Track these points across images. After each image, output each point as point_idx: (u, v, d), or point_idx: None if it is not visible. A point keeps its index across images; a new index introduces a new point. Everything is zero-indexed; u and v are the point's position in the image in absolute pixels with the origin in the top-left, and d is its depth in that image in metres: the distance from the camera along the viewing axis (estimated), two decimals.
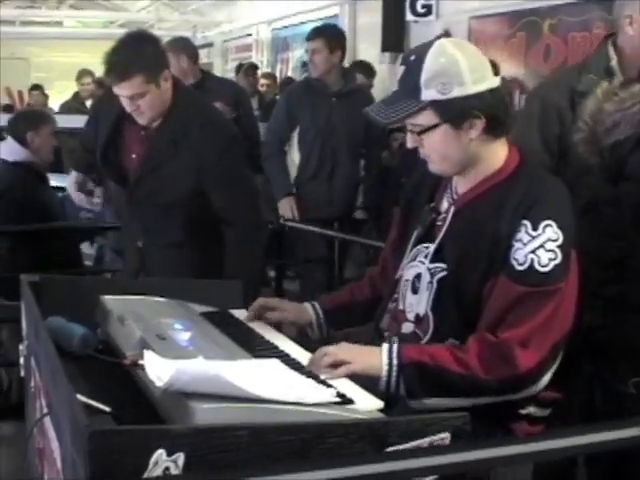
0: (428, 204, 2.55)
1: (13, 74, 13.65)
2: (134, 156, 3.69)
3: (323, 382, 2.12)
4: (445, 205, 2.50)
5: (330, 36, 5.79)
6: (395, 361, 2.25)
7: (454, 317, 2.37)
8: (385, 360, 2.25)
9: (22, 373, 2.81)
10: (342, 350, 2.26)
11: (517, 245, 2.27)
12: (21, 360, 2.80)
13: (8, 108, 12.36)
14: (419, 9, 8.30)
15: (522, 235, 2.27)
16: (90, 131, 3.98)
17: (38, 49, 17.36)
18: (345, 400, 1.98)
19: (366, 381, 2.20)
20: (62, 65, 15.69)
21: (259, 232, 3.74)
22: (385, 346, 2.29)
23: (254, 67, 9.90)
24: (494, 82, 2.35)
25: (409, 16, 8.36)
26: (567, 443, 1.83)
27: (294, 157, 5.90)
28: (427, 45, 2.35)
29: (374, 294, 2.73)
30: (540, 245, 2.25)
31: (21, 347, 2.80)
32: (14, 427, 3.79)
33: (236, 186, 3.63)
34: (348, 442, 1.77)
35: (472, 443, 1.88)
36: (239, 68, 9.81)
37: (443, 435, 1.86)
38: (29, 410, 2.72)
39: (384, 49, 8.57)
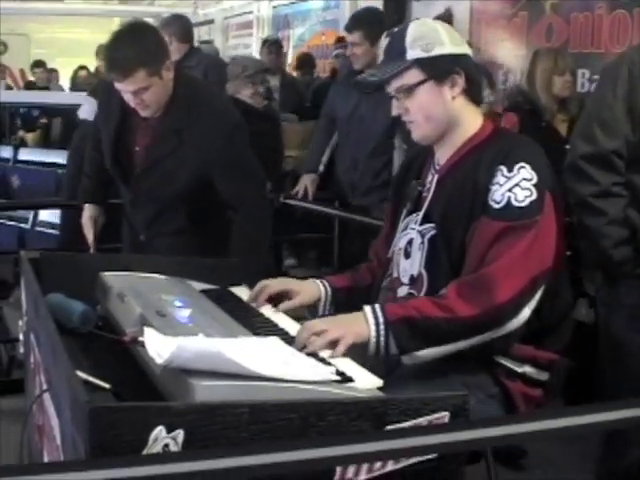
0: (415, 180, 2.67)
1: (13, 50, 13.65)
2: (137, 149, 3.65)
3: (322, 360, 2.13)
4: (429, 177, 2.63)
5: (370, 26, 5.35)
6: (381, 320, 2.29)
7: (446, 271, 2.45)
8: (371, 321, 2.29)
9: (21, 349, 2.82)
10: (329, 326, 2.26)
11: (494, 188, 2.40)
12: (20, 336, 2.80)
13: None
14: None
15: (498, 178, 2.40)
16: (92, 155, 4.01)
17: (38, 25, 17.34)
18: (344, 378, 1.99)
19: (364, 358, 2.22)
20: (62, 41, 15.70)
21: (265, 214, 3.72)
22: (367, 308, 2.32)
23: (278, 44, 9.32)
24: (468, 51, 2.57)
25: None
26: (568, 422, 1.83)
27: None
28: (408, 21, 2.65)
29: (374, 282, 2.75)
30: (516, 184, 2.38)
31: (20, 323, 2.80)
32: (15, 402, 3.79)
33: (241, 172, 3.60)
34: (347, 420, 1.78)
35: (471, 422, 1.89)
36: (264, 43, 9.17)
37: (442, 414, 1.86)
38: (28, 386, 2.73)
39: (385, 28, 8.53)
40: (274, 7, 12.41)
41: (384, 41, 2.61)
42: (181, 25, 6.47)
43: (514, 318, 2.32)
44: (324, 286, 2.73)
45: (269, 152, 5.45)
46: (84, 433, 1.59)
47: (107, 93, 3.69)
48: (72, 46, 15.49)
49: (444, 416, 1.86)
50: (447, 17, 7.17)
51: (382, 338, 2.28)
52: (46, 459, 2.21)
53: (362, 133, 5.39)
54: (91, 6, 16.42)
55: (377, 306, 2.33)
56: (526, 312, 2.34)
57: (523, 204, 2.36)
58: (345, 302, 2.73)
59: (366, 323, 2.28)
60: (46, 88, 11.41)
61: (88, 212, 4.03)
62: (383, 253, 2.74)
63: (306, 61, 9.75)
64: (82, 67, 11.16)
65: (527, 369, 2.46)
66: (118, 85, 3.41)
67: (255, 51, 12.12)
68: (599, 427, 1.97)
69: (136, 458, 1.58)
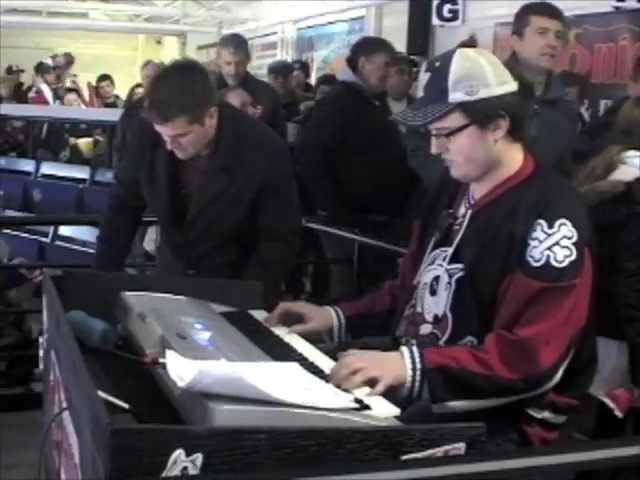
0: (446, 210, 2.61)
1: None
2: (185, 190, 3.55)
3: (339, 386, 2.14)
4: (462, 210, 2.57)
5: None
6: (419, 366, 2.26)
7: (473, 316, 2.42)
8: (409, 366, 2.26)
9: (41, 366, 2.84)
10: (368, 364, 2.22)
11: (533, 243, 2.33)
12: (40, 353, 2.82)
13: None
14: (445, 14, 8.28)
15: (538, 233, 2.34)
16: None
17: (63, 40, 17.41)
18: (362, 406, 2.00)
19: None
20: (86, 57, 15.75)
21: (293, 253, 3.68)
22: (405, 351, 2.30)
23: (412, 64, 7.28)
24: (514, 86, 2.47)
25: (435, 20, 8.35)
26: (583, 457, 1.84)
27: None
28: (450, 52, 2.48)
29: (394, 305, 2.75)
30: (556, 242, 2.32)
31: (41, 340, 2.82)
32: (33, 416, 3.81)
33: (283, 199, 3.56)
34: (364, 448, 1.79)
35: (487, 454, 1.90)
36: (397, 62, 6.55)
37: (458, 445, 1.87)
38: (47, 403, 2.74)
39: (409, 53, 8.56)
40: (298, 29, 12.47)
41: (424, 75, 2.48)
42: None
43: (550, 382, 2.32)
44: (337, 314, 2.74)
45: None
46: (105, 454, 1.61)
47: (141, 131, 3.60)
48: (96, 61, 15.55)
49: (460, 447, 1.87)
50: (471, 44, 7.20)
51: (417, 384, 2.26)
52: (63, 476, 2.22)
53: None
54: (116, 23, 16.53)
55: (415, 350, 2.30)
56: (560, 373, 2.33)
57: (562, 265, 2.31)
58: (361, 328, 2.74)
59: (403, 366, 2.26)
60: (114, 105, 11.26)
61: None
62: (409, 273, 2.71)
63: None
64: (139, 85, 10.99)
65: (546, 414, 2.42)
66: (156, 127, 3.30)
67: None
68: (620, 462, 1.97)
69: None
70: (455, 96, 2.39)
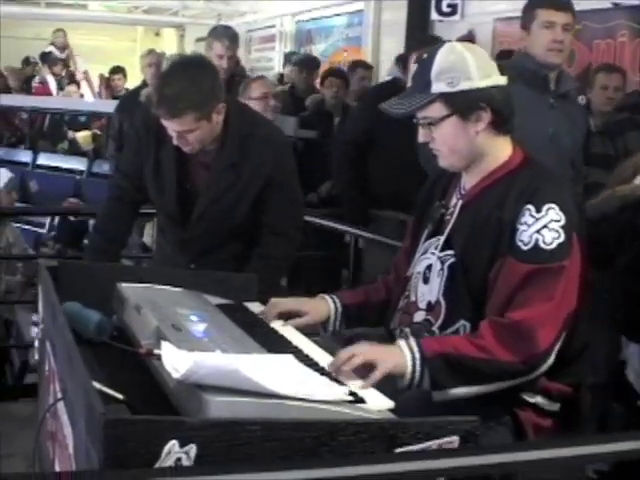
0: (438, 202, 2.67)
1: (37, 54, 13.66)
2: (189, 186, 3.54)
3: (335, 379, 2.14)
4: (454, 201, 2.63)
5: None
6: (418, 355, 2.29)
7: (465, 301, 2.47)
8: (408, 355, 2.28)
9: (36, 356, 2.84)
10: (367, 350, 2.26)
11: (522, 228, 2.39)
12: (35, 343, 2.82)
13: None
14: (444, 8, 8.29)
15: (526, 218, 2.39)
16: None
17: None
18: (357, 399, 2.00)
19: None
20: (85, 48, 15.71)
21: (294, 248, 3.69)
22: (402, 342, 2.32)
23: None
24: (500, 80, 2.52)
25: (434, 15, 8.35)
26: (580, 451, 1.83)
27: None
28: (438, 45, 2.56)
29: (389, 296, 2.77)
30: (544, 225, 2.38)
31: (36, 330, 2.82)
32: (27, 407, 3.81)
33: (286, 197, 3.56)
34: (358, 441, 1.79)
35: (481, 447, 1.90)
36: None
37: (452, 438, 1.87)
38: (42, 393, 2.75)
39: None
40: (297, 22, 12.46)
41: (413, 67, 2.56)
42: None
43: (546, 363, 2.35)
44: (334, 302, 2.76)
45: None
46: (98, 444, 1.61)
47: (146, 124, 3.57)
48: (95, 53, 15.51)
49: (454, 440, 1.87)
50: (469, 39, 7.19)
51: (417, 374, 2.28)
52: (57, 467, 2.22)
53: (557, 155, 4.04)
54: (115, 14, 16.48)
55: (412, 340, 2.33)
56: (554, 355, 2.37)
57: (551, 247, 2.36)
58: (357, 318, 2.77)
59: (403, 355, 2.28)
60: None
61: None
62: (403, 268, 2.75)
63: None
64: None
65: (538, 399, 2.46)
66: (164, 122, 3.29)
67: (277, 65, 12.17)
68: (608, 457, 1.97)
69: (149, 471, 1.60)
70: (437, 87, 2.46)
